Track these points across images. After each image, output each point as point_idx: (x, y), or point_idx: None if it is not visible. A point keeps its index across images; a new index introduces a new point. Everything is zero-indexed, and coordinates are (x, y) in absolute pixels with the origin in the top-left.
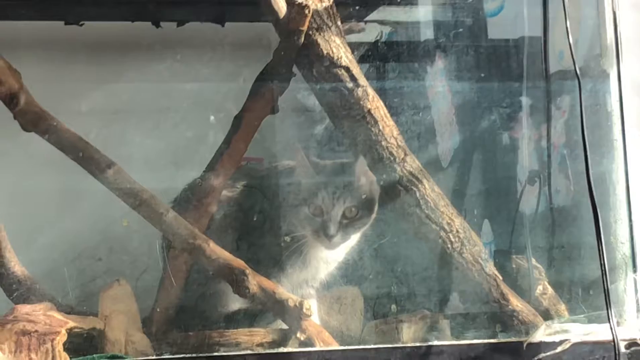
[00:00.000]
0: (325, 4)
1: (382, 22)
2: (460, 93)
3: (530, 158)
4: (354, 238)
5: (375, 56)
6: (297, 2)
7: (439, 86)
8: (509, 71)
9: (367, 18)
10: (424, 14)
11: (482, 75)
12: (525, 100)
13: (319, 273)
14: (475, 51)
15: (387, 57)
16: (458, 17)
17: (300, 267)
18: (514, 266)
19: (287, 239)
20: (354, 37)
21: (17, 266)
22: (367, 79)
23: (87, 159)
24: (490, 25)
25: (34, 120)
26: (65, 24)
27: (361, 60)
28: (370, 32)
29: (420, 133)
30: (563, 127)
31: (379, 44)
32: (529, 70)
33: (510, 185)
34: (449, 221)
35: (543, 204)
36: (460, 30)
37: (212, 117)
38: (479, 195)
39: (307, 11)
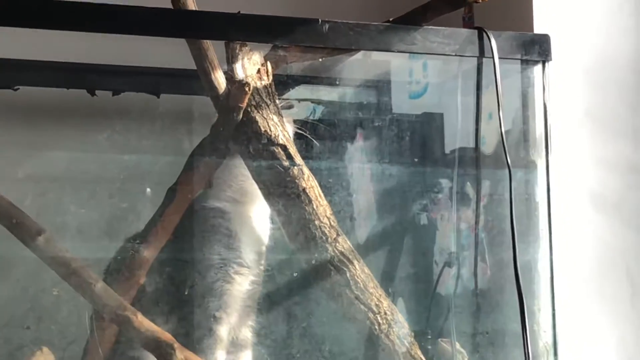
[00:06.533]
0: (265, 82)
1: (315, 101)
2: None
3: (448, 240)
4: None
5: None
6: (237, 79)
7: (359, 164)
8: (431, 154)
9: (298, 96)
10: (352, 94)
11: (403, 156)
12: (445, 183)
13: None
14: (396, 132)
15: (318, 135)
16: (381, 98)
17: None
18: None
19: None
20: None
21: None
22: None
23: (18, 225)
24: (413, 107)
25: None
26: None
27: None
28: (302, 110)
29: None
30: (482, 212)
31: (310, 122)
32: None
33: (427, 267)
34: (377, 303)
35: (459, 287)
36: (382, 110)
37: (148, 190)
38: (394, 275)
39: (247, 88)
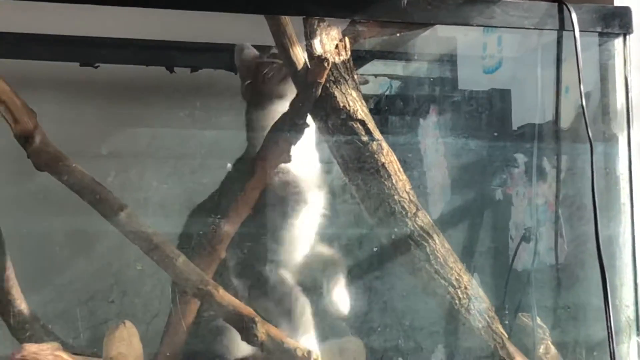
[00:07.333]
0: (343, 57)
1: (391, 76)
2: (453, 147)
3: (524, 215)
4: None
5: (382, 109)
6: (316, 55)
7: (432, 139)
8: (503, 129)
9: (375, 71)
10: (426, 69)
11: (475, 130)
12: (520, 159)
13: None
14: (469, 107)
15: (394, 111)
16: (454, 73)
17: None
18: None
19: None
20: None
21: (22, 304)
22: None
23: (101, 201)
24: (486, 81)
25: (48, 161)
26: (81, 65)
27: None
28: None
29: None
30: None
31: (386, 97)
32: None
33: (503, 242)
34: (457, 277)
35: (536, 262)
36: (455, 85)
37: (229, 165)
38: (469, 250)
39: (326, 64)
